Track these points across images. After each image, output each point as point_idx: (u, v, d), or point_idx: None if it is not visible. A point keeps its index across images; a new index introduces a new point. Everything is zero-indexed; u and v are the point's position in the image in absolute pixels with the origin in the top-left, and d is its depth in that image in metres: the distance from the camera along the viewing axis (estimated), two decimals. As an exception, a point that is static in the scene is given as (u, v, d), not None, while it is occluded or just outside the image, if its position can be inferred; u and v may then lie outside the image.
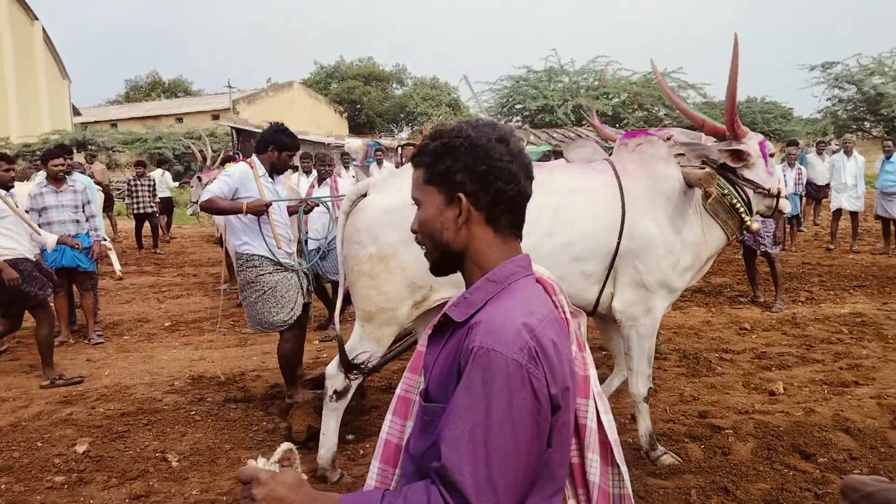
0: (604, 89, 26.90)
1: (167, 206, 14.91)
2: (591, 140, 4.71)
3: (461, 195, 1.36)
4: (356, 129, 41.48)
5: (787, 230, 11.10)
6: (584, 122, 24.98)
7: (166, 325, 7.59)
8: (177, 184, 19.98)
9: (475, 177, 1.35)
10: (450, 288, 3.36)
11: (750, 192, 3.81)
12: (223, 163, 10.30)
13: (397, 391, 1.60)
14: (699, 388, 5.13)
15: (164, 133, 31.70)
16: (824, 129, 27.49)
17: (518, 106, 27.93)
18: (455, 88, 43.51)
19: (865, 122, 27.83)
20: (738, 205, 3.73)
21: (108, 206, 14.22)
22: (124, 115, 44.98)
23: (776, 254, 7.59)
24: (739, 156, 3.73)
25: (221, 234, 7.22)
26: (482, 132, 1.37)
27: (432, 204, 1.40)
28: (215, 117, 38.32)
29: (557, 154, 20.42)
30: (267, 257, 4.54)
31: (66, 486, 3.80)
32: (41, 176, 7.24)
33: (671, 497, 3.47)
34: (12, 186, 5.82)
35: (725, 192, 3.71)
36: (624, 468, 1.54)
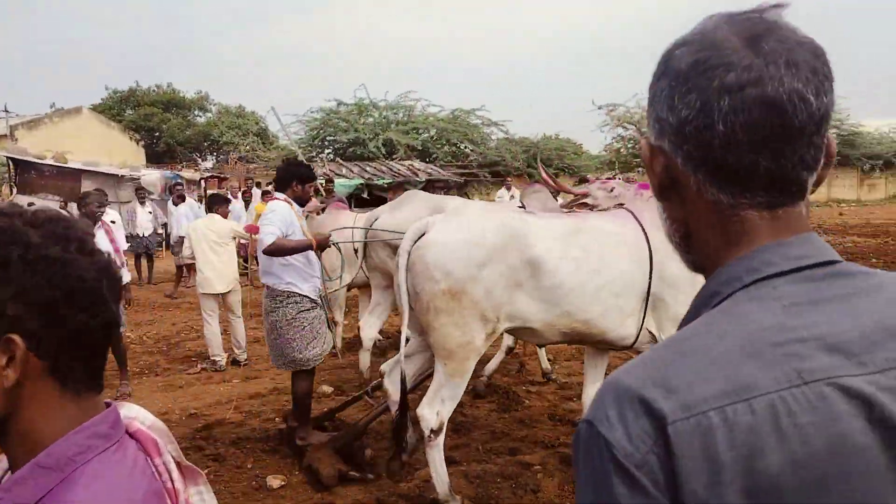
0: (413, 124, 27.58)
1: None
2: (543, 188, 5.38)
3: (14, 337, 0.87)
4: (155, 158, 39.00)
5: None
6: (394, 157, 25.43)
7: None
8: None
9: (39, 308, 0.89)
10: (516, 316, 3.73)
11: None
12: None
13: None
14: (509, 423, 5.28)
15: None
16: (611, 165, 30.14)
17: (329, 138, 27.82)
18: (263, 118, 42.50)
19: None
20: None
21: None
22: None
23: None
24: None
25: None
26: (54, 235, 0.92)
27: None
28: (-12, 144, 34.29)
29: (370, 187, 20.68)
30: (307, 295, 4.61)
31: None
32: None
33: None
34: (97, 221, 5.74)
35: None
36: None
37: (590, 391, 4.44)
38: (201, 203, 18.68)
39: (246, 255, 10.13)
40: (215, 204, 7.31)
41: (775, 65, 0.77)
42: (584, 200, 4.93)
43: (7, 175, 21.17)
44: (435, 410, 3.75)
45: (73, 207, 11.09)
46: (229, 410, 5.74)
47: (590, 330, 3.88)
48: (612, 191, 4.67)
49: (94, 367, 0.96)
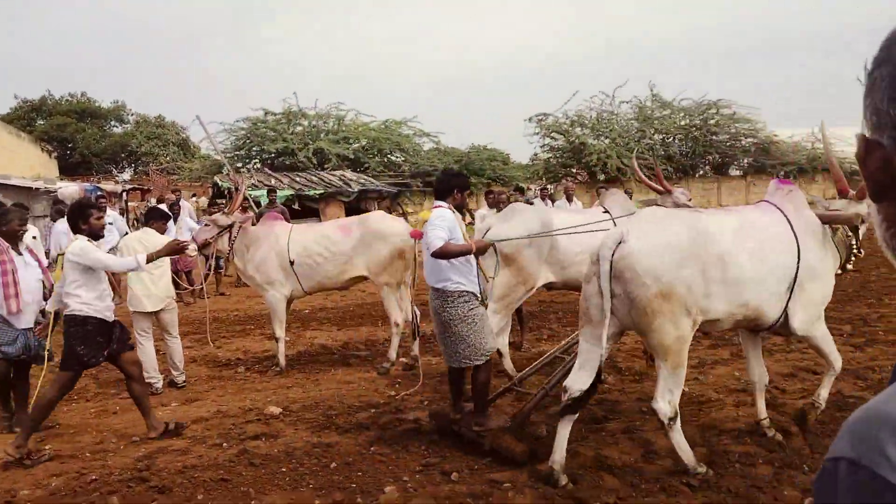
0: (344, 134, 27.20)
1: None
2: (619, 191, 6.56)
3: None
4: (69, 170, 37.16)
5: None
6: (326, 167, 24.99)
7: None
8: None
9: None
10: (708, 309, 4.16)
11: (854, 241, 4.89)
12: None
13: None
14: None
15: None
16: (538, 174, 30.48)
17: (256, 149, 27.12)
18: (185, 128, 41.17)
19: (573, 169, 31.38)
20: (854, 248, 4.87)
21: None
22: None
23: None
24: (858, 215, 4.74)
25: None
26: None
27: None
28: None
29: (300, 198, 20.20)
30: (473, 292, 4.91)
31: None
32: None
33: None
34: (102, 236, 5.43)
35: (849, 234, 4.85)
36: None
37: (756, 370, 4.99)
38: (124, 216, 17.89)
39: (177, 270, 9.65)
40: (153, 218, 6.89)
41: None
42: (659, 201, 6.13)
43: None
44: (667, 401, 4.15)
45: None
46: (172, 437, 5.37)
47: (756, 315, 4.40)
48: (689, 199, 6.09)
49: None
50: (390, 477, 4.47)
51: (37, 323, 5.65)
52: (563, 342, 5.58)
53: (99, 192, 14.79)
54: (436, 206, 5.02)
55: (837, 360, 4.83)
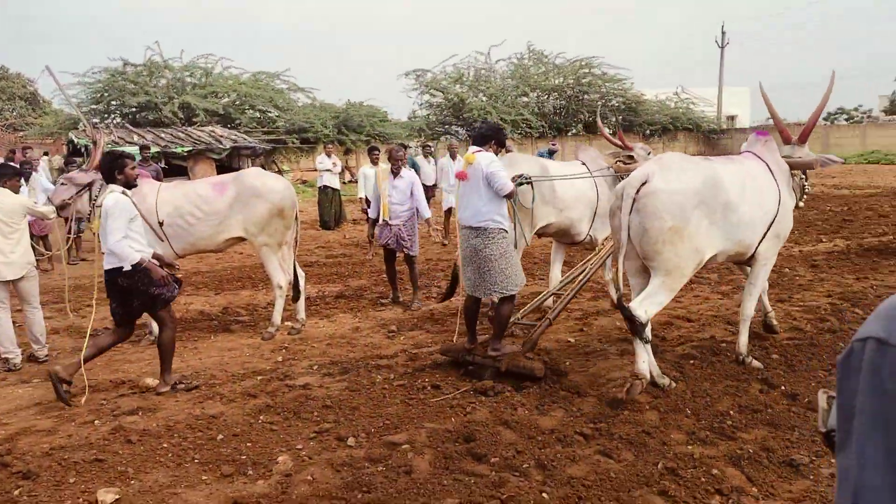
0: (212, 88, 25.76)
1: None
2: (592, 147, 7.48)
3: None
4: None
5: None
6: (195, 121, 23.63)
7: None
8: None
9: None
10: (711, 247, 4.80)
11: (806, 181, 5.76)
12: None
13: None
14: (366, 403, 4.98)
15: None
16: (421, 131, 30.32)
17: (115, 103, 25.21)
18: (32, 81, 37.72)
19: (453, 126, 31.46)
20: (806, 187, 5.76)
21: None
22: None
23: (416, 255, 7.94)
24: (818, 159, 5.49)
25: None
26: None
27: None
28: None
29: (166, 156, 18.98)
30: (507, 230, 5.32)
31: None
32: None
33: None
34: (136, 185, 5.46)
35: (803, 176, 5.69)
36: None
37: (749, 304, 5.47)
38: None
39: (31, 234, 8.78)
40: (5, 176, 6.11)
41: None
42: (629, 154, 7.01)
43: None
44: (644, 309, 4.65)
45: None
46: (36, 416, 4.90)
47: (744, 251, 5.10)
48: (649, 153, 7.11)
49: None
50: (282, 446, 4.28)
51: None
52: (560, 280, 6.62)
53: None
54: (478, 151, 5.37)
55: (753, 301, 5.53)
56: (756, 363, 5.35)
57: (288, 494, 3.67)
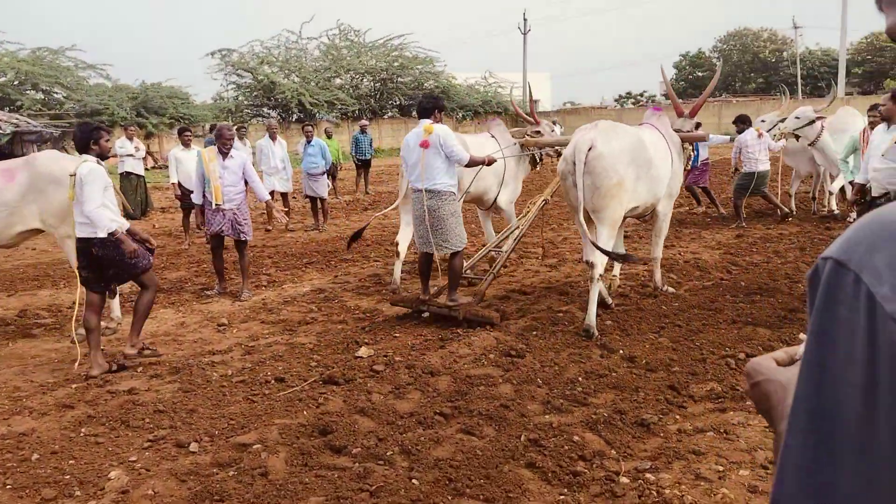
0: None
1: None
2: (502, 122, 8.20)
3: None
4: None
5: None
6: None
7: None
8: None
9: None
10: (636, 199, 5.78)
11: (692, 151, 7.08)
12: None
13: None
14: (204, 404, 4.55)
15: None
16: (231, 113, 28.76)
17: None
18: None
19: (264, 108, 30.21)
20: (692, 154, 7.05)
21: None
22: None
23: (249, 241, 7.47)
24: (697, 128, 6.73)
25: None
26: None
27: None
28: None
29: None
30: (455, 193, 6.05)
31: None
32: None
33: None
34: (108, 157, 5.51)
35: (689, 146, 6.85)
36: None
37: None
38: None
39: None
40: None
41: None
42: (536, 129, 7.97)
43: None
44: (600, 260, 5.58)
45: None
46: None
47: (652, 204, 6.10)
48: (552, 130, 8.50)
49: None
50: (113, 460, 3.78)
51: None
52: (496, 238, 7.37)
53: None
54: (434, 123, 5.99)
55: (661, 247, 6.68)
56: (671, 289, 6.68)
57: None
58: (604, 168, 5.47)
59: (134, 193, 13.51)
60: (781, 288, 6.68)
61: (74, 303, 5.65)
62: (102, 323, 6.31)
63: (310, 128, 11.69)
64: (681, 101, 7.43)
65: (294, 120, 28.45)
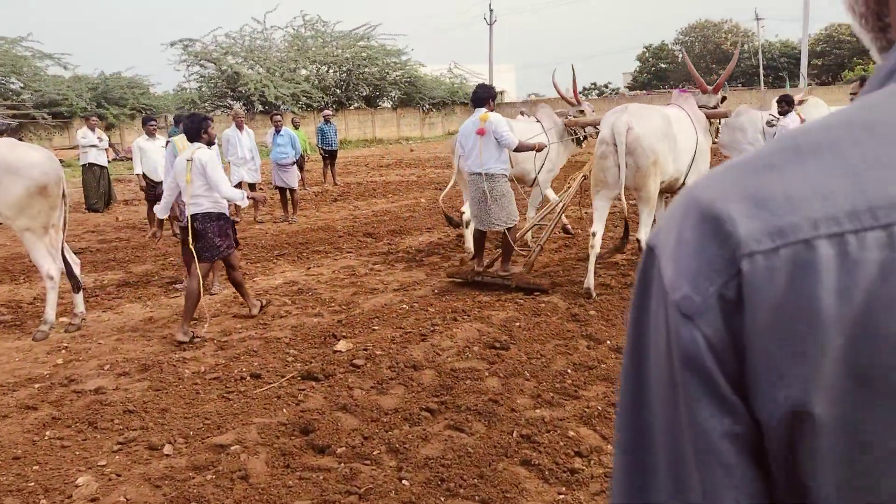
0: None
1: None
2: (548, 105, 8.63)
3: None
4: None
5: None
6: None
7: None
8: None
9: None
10: (666, 172, 6.18)
11: (718, 126, 7.57)
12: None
13: None
14: (177, 403, 4.32)
15: None
16: (194, 104, 28.09)
17: None
18: None
19: (228, 99, 29.58)
20: (718, 132, 7.59)
21: None
22: None
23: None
24: (722, 101, 7.22)
25: None
26: None
27: None
28: None
29: None
30: (507, 175, 6.60)
31: None
32: None
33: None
34: (214, 143, 6.10)
35: (718, 122, 7.32)
36: None
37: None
38: None
39: None
40: None
41: None
42: (580, 109, 8.45)
43: None
44: (645, 233, 6.04)
45: None
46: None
47: (679, 178, 6.36)
48: (592, 111, 8.67)
49: None
50: (81, 465, 3.55)
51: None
52: (540, 214, 7.72)
53: None
54: (489, 111, 6.46)
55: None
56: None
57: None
58: (643, 148, 5.91)
59: (97, 185, 13.09)
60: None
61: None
62: (65, 319, 6.05)
63: (279, 117, 11.39)
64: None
65: (258, 112, 27.90)
